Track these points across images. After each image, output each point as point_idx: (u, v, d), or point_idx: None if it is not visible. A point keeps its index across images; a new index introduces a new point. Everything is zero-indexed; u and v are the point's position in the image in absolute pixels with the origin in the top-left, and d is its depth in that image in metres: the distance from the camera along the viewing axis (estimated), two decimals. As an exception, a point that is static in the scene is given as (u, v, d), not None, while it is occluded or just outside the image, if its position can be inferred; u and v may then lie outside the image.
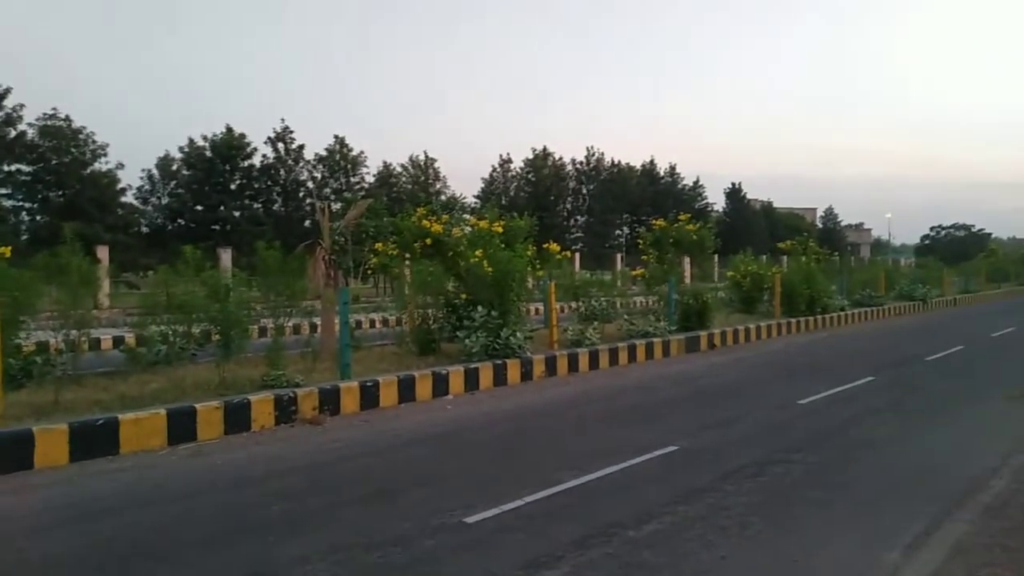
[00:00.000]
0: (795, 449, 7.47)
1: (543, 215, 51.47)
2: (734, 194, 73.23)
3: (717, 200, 73.33)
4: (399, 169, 58.37)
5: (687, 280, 25.73)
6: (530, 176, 64.90)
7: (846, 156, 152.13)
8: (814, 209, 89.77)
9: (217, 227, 46.98)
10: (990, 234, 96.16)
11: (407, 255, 14.77)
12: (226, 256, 28.12)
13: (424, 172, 58.88)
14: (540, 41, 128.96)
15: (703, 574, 4.48)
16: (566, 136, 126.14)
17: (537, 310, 19.81)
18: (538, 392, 11.14)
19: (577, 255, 37.28)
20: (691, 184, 70.85)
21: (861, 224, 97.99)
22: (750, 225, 68.32)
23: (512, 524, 5.32)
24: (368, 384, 9.66)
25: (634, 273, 22.89)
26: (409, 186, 57.47)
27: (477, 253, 12.33)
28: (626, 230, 67.07)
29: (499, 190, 63.90)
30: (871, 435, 8.23)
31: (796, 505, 5.78)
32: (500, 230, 13.24)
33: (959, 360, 14.62)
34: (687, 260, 27.85)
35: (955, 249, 76.17)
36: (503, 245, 13.00)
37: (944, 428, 8.72)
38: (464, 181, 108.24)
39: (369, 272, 32.51)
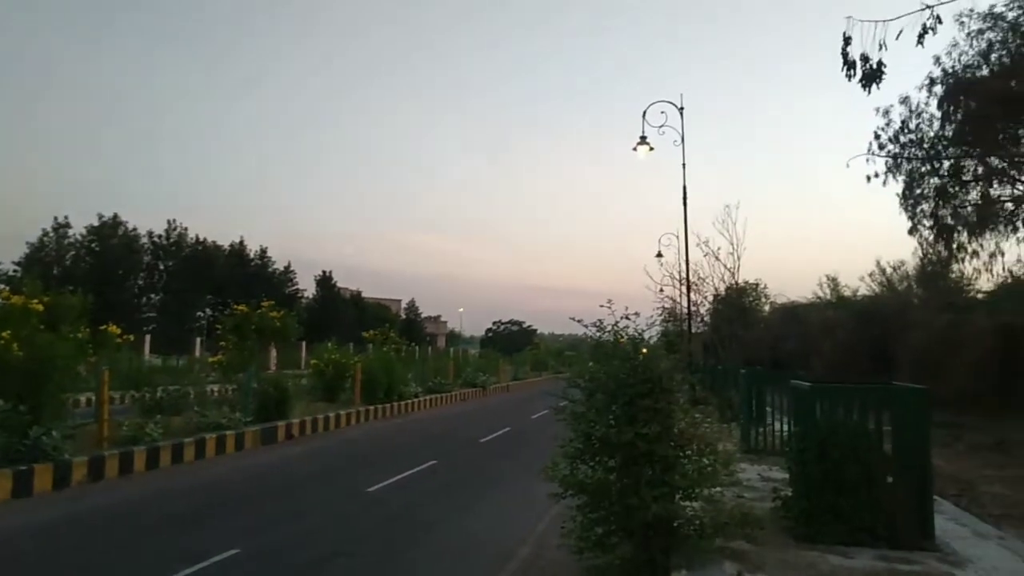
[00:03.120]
0: (360, 539, 7.61)
1: (108, 291, 45.48)
2: (324, 282, 74.56)
3: (308, 286, 73.83)
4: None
5: (272, 368, 25.02)
6: (94, 246, 56.92)
7: (428, 254, 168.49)
8: (399, 300, 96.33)
9: None
10: (536, 330, 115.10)
11: None
12: None
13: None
14: (117, 93, 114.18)
15: None
16: (143, 206, 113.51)
17: (90, 400, 17.04)
18: (76, 502, 9.41)
19: (148, 337, 33.49)
20: (282, 269, 70.19)
21: (439, 316, 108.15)
22: (340, 313, 69.93)
23: None
24: None
25: (211, 360, 21.41)
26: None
27: (4, 335, 10.19)
28: (209, 312, 62.79)
29: (50, 259, 54.51)
30: (429, 517, 8.84)
31: (353, 598, 5.83)
32: (40, 308, 11.20)
33: (505, 441, 16.83)
34: (273, 347, 27.17)
35: (510, 342, 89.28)
36: (43, 326, 11.00)
37: (489, 505, 9.84)
38: (2, 244, 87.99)
39: None
